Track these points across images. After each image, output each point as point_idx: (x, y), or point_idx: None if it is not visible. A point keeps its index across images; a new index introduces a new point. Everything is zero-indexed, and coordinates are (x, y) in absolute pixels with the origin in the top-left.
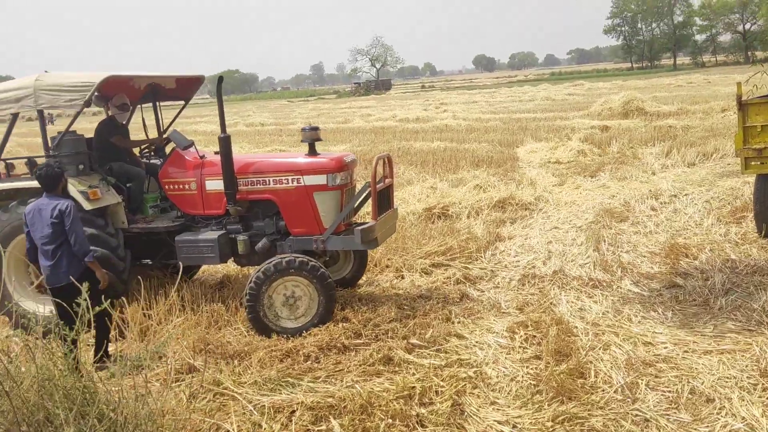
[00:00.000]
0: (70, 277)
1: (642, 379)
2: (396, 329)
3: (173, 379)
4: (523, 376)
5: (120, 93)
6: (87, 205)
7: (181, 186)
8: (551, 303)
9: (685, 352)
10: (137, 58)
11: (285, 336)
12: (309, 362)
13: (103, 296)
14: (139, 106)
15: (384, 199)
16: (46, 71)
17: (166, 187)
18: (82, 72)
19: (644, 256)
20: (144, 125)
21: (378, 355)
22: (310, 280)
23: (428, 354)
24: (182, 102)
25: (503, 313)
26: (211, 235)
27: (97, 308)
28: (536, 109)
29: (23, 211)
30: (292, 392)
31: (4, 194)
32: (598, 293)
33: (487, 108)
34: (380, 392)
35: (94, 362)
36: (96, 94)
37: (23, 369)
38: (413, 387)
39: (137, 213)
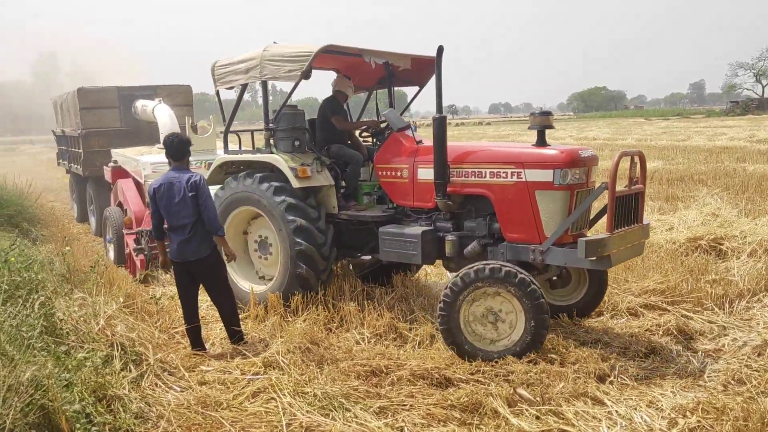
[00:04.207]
0: (199, 253)
1: None
2: (520, 373)
3: (255, 371)
4: None
5: (348, 74)
6: (295, 183)
7: (393, 172)
8: None
9: None
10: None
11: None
12: (384, 388)
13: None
14: (375, 92)
15: (627, 210)
16: (275, 42)
17: (380, 173)
18: (309, 43)
19: None
20: (362, 110)
21: (465, 398)
22: (517, 298)
23: (530, 413)
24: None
25: (698, 386)
26: (415, 230)
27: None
28: None
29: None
30: (337, 416)
31: (233, 166)
32: None
33: None
34: None
35: (232, 339)
36: (337, 75)
37: None
38: None
39: (350, 200)
